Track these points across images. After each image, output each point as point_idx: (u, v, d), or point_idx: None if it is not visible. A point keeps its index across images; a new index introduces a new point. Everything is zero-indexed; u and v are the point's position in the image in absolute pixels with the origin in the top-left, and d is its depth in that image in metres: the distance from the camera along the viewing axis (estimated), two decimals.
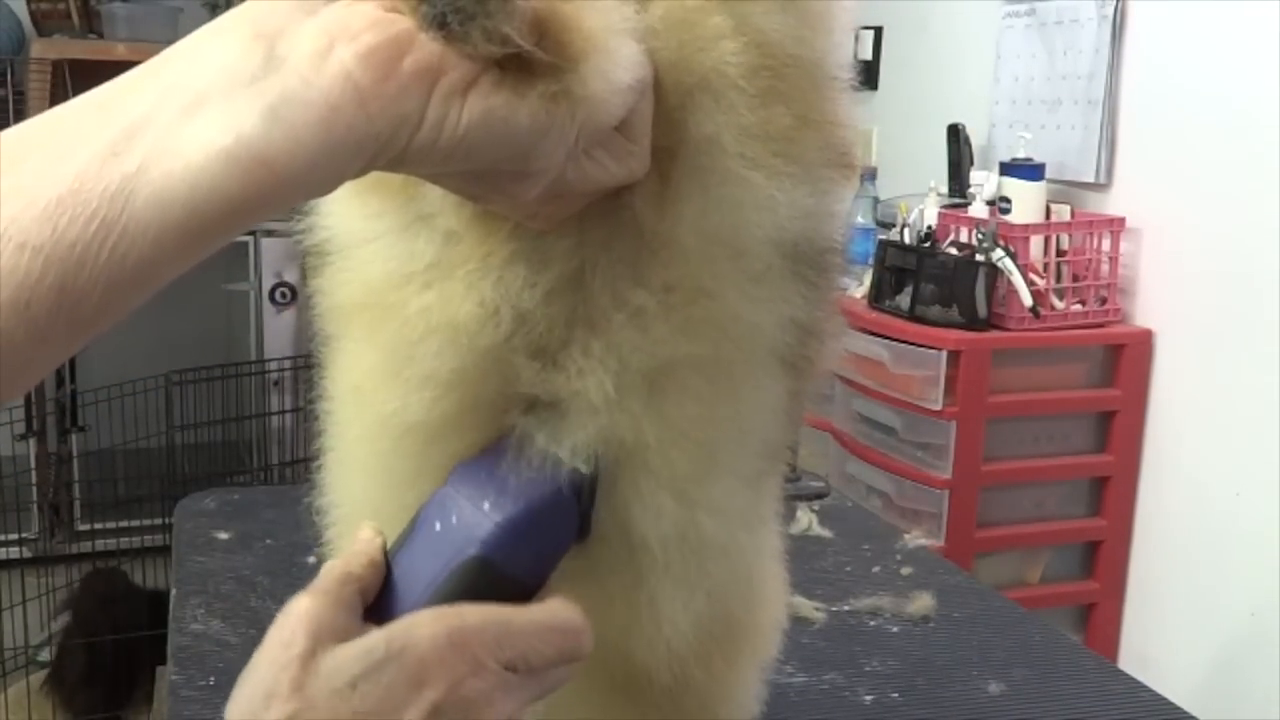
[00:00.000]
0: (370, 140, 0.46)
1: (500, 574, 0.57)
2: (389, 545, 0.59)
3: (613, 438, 0.60)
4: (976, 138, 2.77)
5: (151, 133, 0.45)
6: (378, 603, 0.58)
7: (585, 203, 0.57)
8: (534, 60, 0.48)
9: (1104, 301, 2.45)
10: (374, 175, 0.52)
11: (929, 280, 2.42)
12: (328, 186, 0.49)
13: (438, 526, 0.58)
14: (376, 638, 0.53)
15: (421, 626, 0.54)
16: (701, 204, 0.58)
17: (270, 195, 0.45)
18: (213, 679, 1.03)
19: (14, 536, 3.10)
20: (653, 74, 0.55)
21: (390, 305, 0.61)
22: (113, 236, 0.44)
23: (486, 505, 0.57)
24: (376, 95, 0.46)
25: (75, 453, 3.29)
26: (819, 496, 1.55)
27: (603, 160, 0.54)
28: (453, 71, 0.47)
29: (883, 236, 2.69)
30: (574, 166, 0.53)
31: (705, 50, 0.57)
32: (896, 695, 1.07)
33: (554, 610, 0.57)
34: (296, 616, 0.54)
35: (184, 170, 0.44)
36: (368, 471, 0.68)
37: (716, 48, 0.57)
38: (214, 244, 0.47)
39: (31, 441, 3.23)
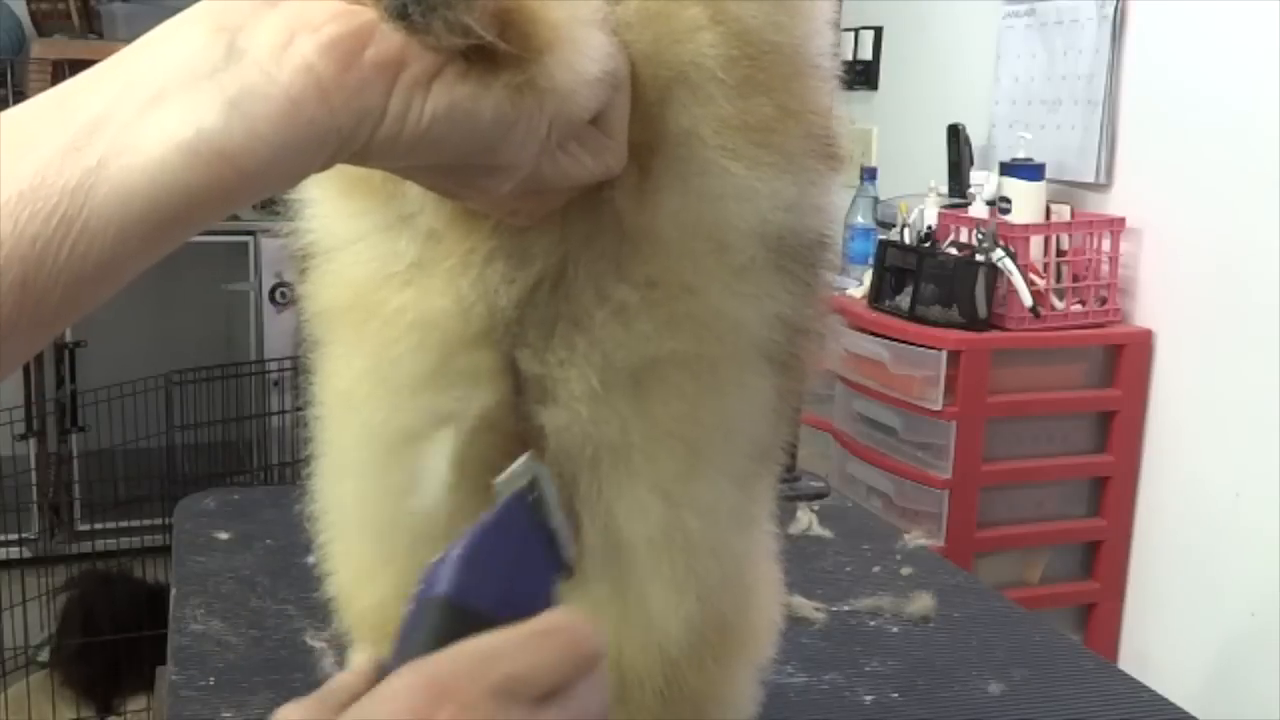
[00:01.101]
0: (332, 133, 0.46)
1: (470, 613, 0.50)
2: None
3: (595, 435, 0.60)
4: (976, 138, 2.77)
5: (112, 127, 0.44)
6: None
7: (566, 198, 0.56)
8: (498, 52, 0.48)
9: (1104, 301, 2.45)
10: (356, 174, 0.51)
11: (929, 280, 2.42)
12: (291, 180, 0.48)
13: (412, 604, 0.52)
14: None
15: (383, 688, 0.46)
16: (681, 196, 0.58)
17: (232, 189, 0.45)
18: (213, 679, 1.03)
19: (14, 536, 3.09)
20: (628, 67, 0.54)
21: (373, 306, 0.61)
22: (74, 231, 0.43)
23: (451, 552, 0.52)
24: (338, 88, 0.45)
25: (75, 453, 3.29)
26: (819, 496, 1.55)
27: (578, 155, 0.53)
28: (415, 63, 0.47)
29: (883, 236, 2.69)
30: (549, 161, 0.52)
31: (682, 43, 0.56)
32: (896, 695, 1.07)
33: (539, 621, 0.50)
34: None
35: (144, 164, 0.44)
36: (359, 478, 0.67)
37: (694, 39, 0.56)
38: (177, 238, 0.46)
39: (31, 441, 3.23)
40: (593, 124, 0.53)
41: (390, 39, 0.47)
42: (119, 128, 0.44)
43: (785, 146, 0.60)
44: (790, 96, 0.60)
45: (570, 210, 0.57)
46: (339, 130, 0.46)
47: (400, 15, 0.46)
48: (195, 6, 0.48)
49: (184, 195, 0.44)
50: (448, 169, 0.52)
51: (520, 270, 0.58)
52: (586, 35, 0.52)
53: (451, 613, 0.50)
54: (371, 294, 0.61)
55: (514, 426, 0.62)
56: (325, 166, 0.48)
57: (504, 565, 0.52)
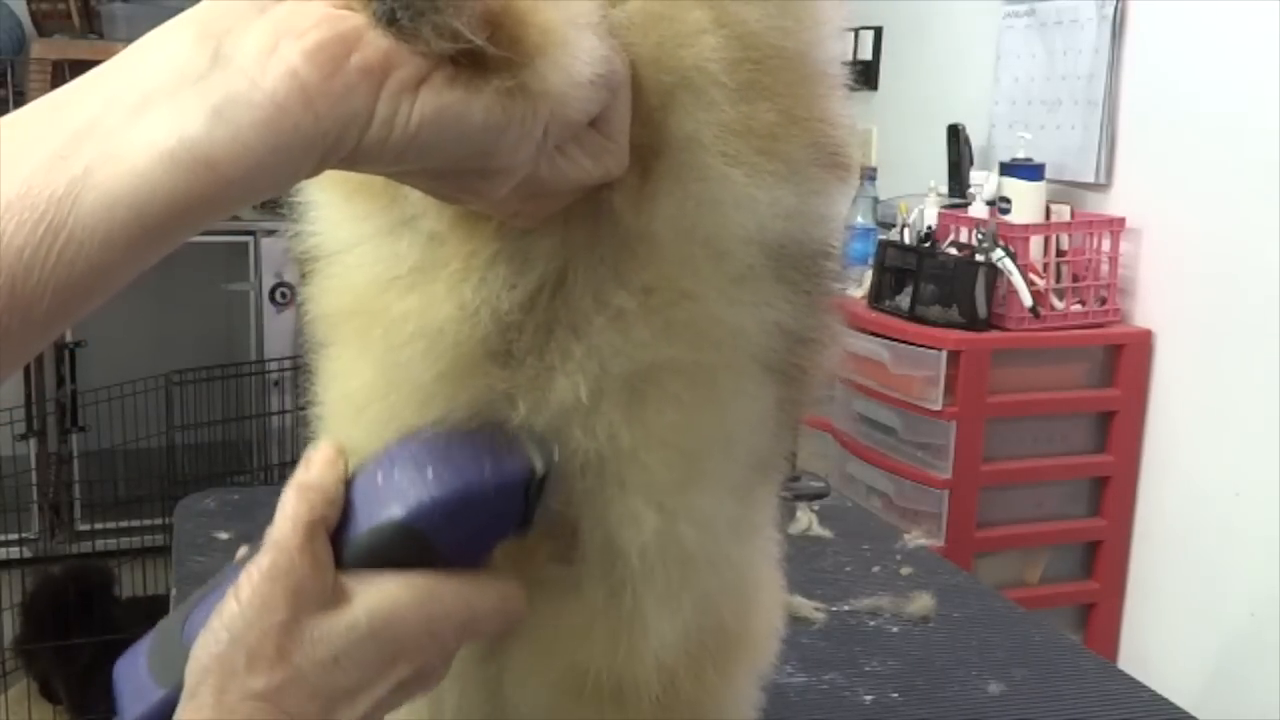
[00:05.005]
0: (318, 139, 0.45)
1: (425, 545, 0.57)
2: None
3: (589, 444, 0.59)
4: (976, 138, 2.77)
5: (99, 135, 0.44)
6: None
7: (568, 201, 0.56)
8: (488, 56, 0.47)
9: (1104, 302, 2.45)
10: (358, 177, 0.51)
11: (929, 280, 2.42)
12: (278, 186, 0.48)
13: (379, 478, 0.57)
14: (359, 614, 0.56)
15: (401, 609, 0.56)
16: (679, 200, 0.57)
17: (217, 197, 0.45)
18: None
19: (14, 536, 3.10)
20: (628, 70, 0.54)
21: (376, 311, 0.60)
22: (60, 240, 0.43)
23: (430, 473, 0.56)
24: (323, 93, 0.45)
25: (75, 453, 3.29)
26: (819, 496, 1.55)
27: (578, 158, 0.53)
28: (402, 68, 0.46)
29: (883, 236, 2.70)
30: (547, 164, 0.52)
31: (686, 46, 0.55)
32: (896, 695, 1.07)
33: (506, 592, 0.61)
34: (275, 578, 0.55)
35: (128, 173, 0.44)
36: None
37: (697, 43, 0.55)
38: (165, 246, 0.46)
39: (31, 441, 3.23)
40: (592, 126, 0.53)
41: (376, 44, 0.46)
42: (105, 136, 0.44)
43: (789, 154, 0.59)
44: (795, 103, 0.59)
45: (571, 214, 0.57)
46: (324, 135, 0.46)
47: (389, 20, 0.46)
48: (184, 13, 0.48)
49: (168, 203, 0.44)
50: (443, 173, 0.51)
51: (522, 275, 0.57)
52: (578, 38, 0.51)
53: (408, 537, 0.56)
54: (374, 299, 0.61)
55: (510, 432, 0.62)
56: (314, 172, 0.48)
57: (474, 522, 0.58)
